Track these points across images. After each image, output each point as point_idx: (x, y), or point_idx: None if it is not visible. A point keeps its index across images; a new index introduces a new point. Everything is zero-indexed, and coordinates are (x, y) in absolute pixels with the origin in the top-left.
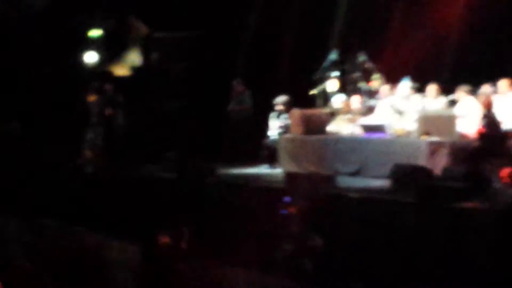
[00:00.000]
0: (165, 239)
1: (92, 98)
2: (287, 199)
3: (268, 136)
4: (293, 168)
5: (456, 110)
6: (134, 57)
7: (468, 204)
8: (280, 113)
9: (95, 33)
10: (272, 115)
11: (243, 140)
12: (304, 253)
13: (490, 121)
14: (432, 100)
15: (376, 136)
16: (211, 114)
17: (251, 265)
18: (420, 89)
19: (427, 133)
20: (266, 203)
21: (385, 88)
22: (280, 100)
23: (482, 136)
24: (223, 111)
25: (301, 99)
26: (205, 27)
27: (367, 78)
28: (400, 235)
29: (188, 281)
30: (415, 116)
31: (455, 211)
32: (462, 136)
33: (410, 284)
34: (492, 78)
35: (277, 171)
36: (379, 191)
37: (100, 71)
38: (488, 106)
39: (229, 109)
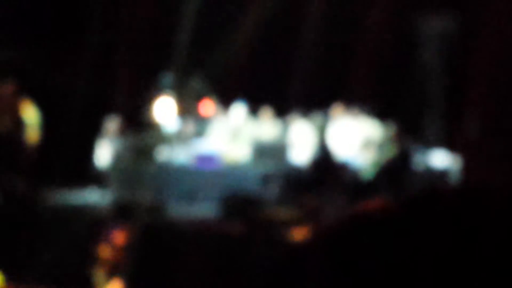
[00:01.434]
0: None
1: None
2: (114, 227)
3: (99, 158)
4: (123, 193)
5: (290, 136)
6: None
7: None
8: (112, 135)
9: None
10: (104, 137)
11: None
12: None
13: (324, 151)
14: (266, 123)
15: (208, 165)
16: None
17: None
18: (254, 112)
19: (260, 162)
20: (93, 232)
21: (219, 111)
22: (112, 122)
23: (314, 165)
24: None
25: (133, 121)
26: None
27: (200, 100)
28: (227, 266)
29: None
30: (249, 142)
31: (283, 242)
32: (295, 165)
33: None
34: (324, 103)
35: (107, 196)
36: (209, 221)
37: None
38: (322, 133)
39: None
